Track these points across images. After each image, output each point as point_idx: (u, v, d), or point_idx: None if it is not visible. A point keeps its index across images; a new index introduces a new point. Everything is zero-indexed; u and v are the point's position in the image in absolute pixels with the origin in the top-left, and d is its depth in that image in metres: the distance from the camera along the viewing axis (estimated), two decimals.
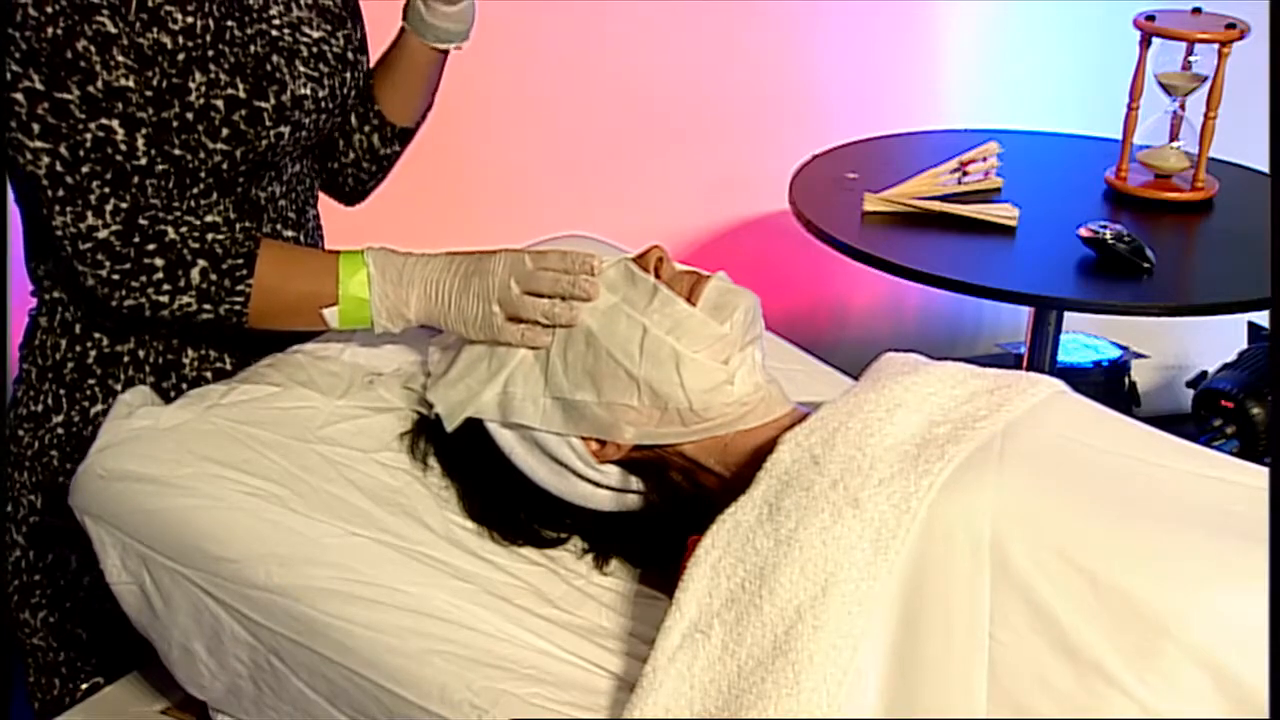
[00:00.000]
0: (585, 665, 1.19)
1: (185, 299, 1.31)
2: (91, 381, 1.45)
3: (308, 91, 1.41)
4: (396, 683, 1.17)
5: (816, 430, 1.17)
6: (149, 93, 1.31)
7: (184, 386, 1.45)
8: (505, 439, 1.31)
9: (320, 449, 1.32)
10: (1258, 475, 1.15)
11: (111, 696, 1.43)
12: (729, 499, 1.16)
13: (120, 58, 1.29)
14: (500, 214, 2.74)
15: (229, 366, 1.48)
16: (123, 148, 1.29)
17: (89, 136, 1.28)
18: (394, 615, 1.19)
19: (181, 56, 1.33)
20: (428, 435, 1.36)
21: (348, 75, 1.47)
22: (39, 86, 1.26)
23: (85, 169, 1.28)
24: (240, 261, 1.31)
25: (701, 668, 1.09)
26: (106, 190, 1.29)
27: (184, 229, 1.31)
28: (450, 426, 1.31)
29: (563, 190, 2.89)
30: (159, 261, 1.30)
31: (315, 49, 1.43)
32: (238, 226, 1.43)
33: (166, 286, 1.31)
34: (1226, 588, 1.01)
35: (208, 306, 1.32)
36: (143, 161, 1.31)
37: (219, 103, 1.34)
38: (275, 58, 1.39)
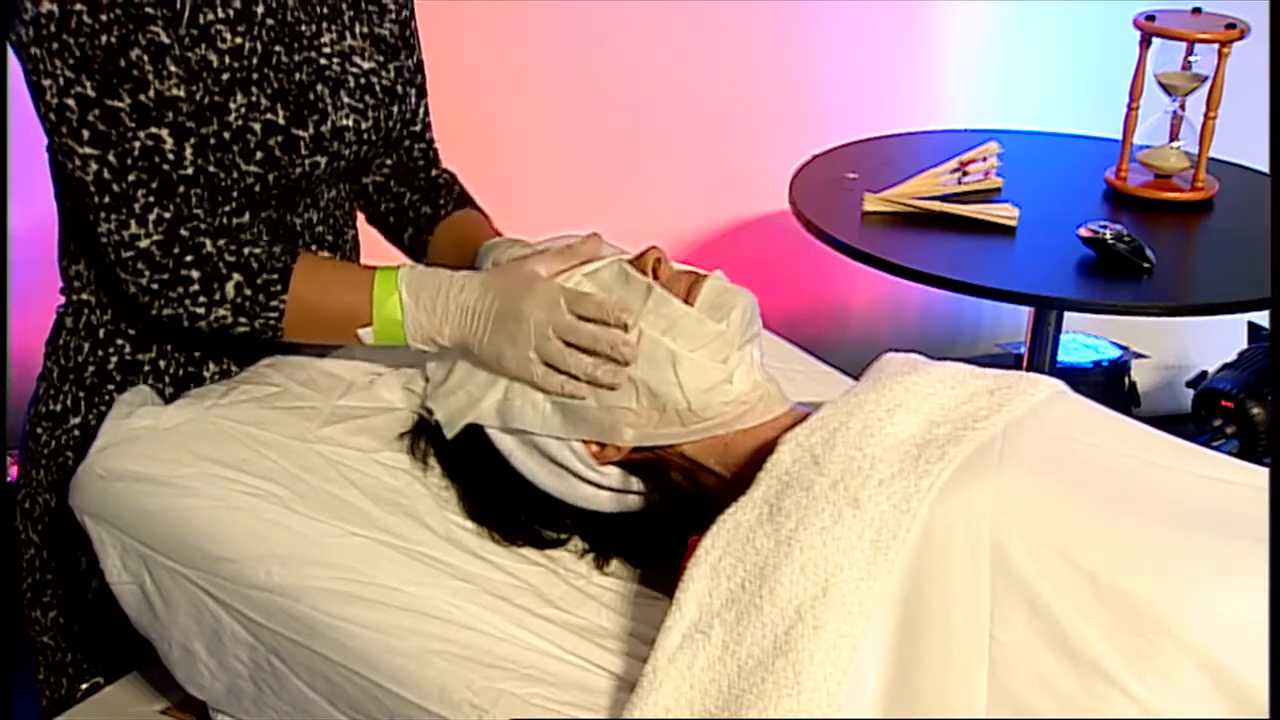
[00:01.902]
0: (585, 665, 1.19)
1: (221, 311, 1.31)
2: (111, 387, 1.45)
3: (350, 123, 1.41)
4: (396, 683, 1.17)
5: (817, 430, 1.17)
6: (192, 106, 1.31)
7: None
8: (505, 443, 1.31)
9: (320, 449, 1.32)
10: (1258, 475, 1.15)
11: (111, 696, 1.43)
12: (729, 499, 1.16)
13: (173, 68, 1.29)
14: (500, 214, 2.74)
15: None
16: (170, 157, 1.29)
17: (138, 145, 1.28)
18: (394, 615, 1.19)
19: (226, 76, 1.33)
20: (428, 436, 1.36)
21: (394, 109, 1.46)
22: (91, 94, 1.26)
23: (132, 177, 1.28)
24: (275, 277, 1.31)
25: (702, 668, 1.09)
26: (151, 199, 1.29)
27: (222, 242, 1.31)
28: (450, 434, 1.31)
29: (563, 190, 2.89)
30: (195, 274, 1.30)
31: (363, 80, 1.42)
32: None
33: (203, 299, 1.31)
34: (1226, 587, 1.01)
35: (243, 320, 1.32)
36: (189, 171, 1.31)
37: (256, 126, 1.34)
38: (320, 87, 1.39)
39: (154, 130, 1.29)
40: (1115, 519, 1.07)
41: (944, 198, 2.40)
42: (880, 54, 3.05)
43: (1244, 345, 2.87)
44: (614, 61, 2.89)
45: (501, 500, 1.32)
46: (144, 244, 1.29)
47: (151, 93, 1.28)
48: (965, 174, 2.46)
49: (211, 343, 1.45)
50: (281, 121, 1.35)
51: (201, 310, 1.31)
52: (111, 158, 1.28)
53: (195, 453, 1.27)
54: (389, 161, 1.58)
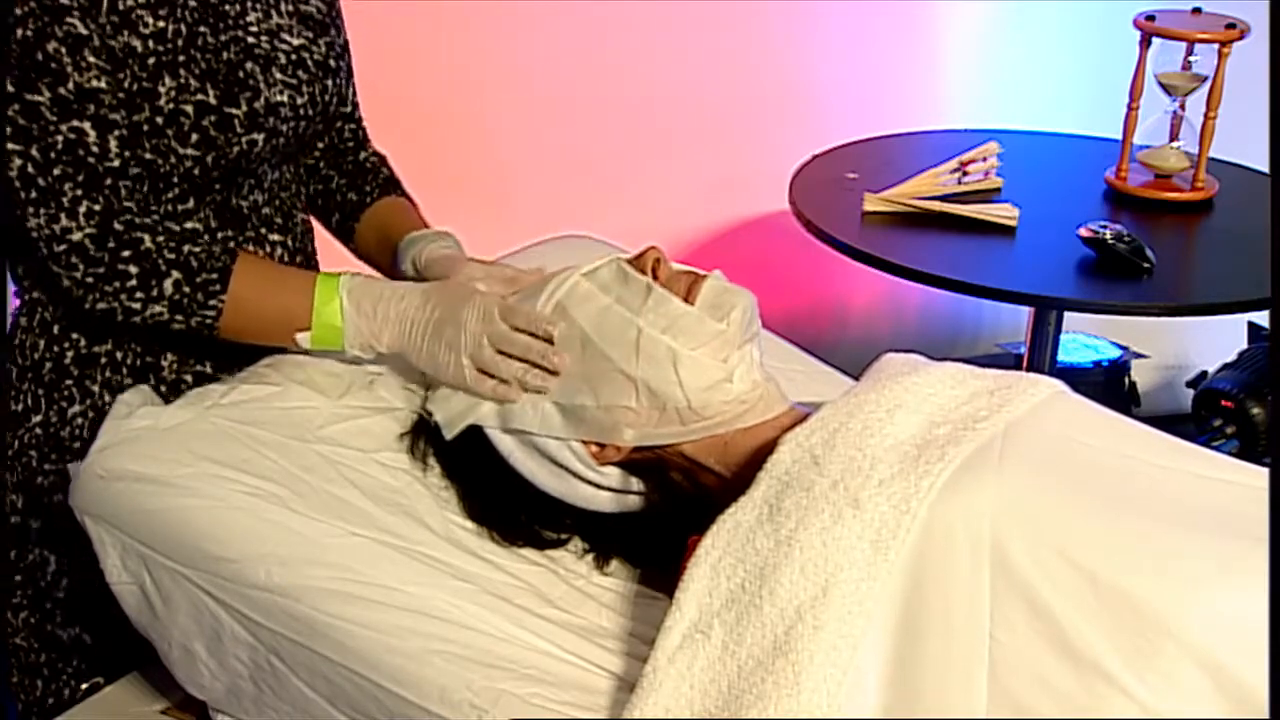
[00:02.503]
0: (585, 665, 1.19)
1: (157, 308, 1.32)
2: (69, 382, 1.45)
3: (284, 99, 1.41)
4: (396, 683, 1.17)
5: (817, 430, 1.17)
6: (120, 94, 1.32)
7: (162, 389, 1.46)
8: (505, 443, 1.31)
9: (320, 449, 1.32)
10: (1258, 475, 1.15)
11: (111, 696, 1.43)
12: (729, 499, 1.16)
13: (92, 59, 1.29)
14: (500, 214, 2.75)
15: (209, 369, 1.48)
16: (94, 149, 1.30)
17: (60, 139, 1.28)
18: (394, 615, 1.19)
19: (152, 61, 1.33)
20: (427, 436, 1.36)
21: (329, 83, 1.47)
22: (10, 89, 1.27)
23: (57, 171, 1.28)
24: (215, 276, 1.32)
25: (701, 668, 1.09)
26: (79, 193, 1.29)
27: (161, 237, 1.32)
28: (449, 435, 1.32)
29: (563, 190, 2.89)
30: (133, 269, 1.30)
31: (294, 56, 1.43)
32: (218, 237, 1.43)
33: (139, 295, 1.31)
34: (1226, 587, 1.01)
35: (179, 317, 1.33)
36: (115, 164, 1.31)
37: (188, 108, 1.34)
38: (249, 64, 1.39)
39: (76, 123, 1.29)
40: (1115, 519, 1.07)
41: (944, 198, 2.40)
42: (880, 54, 3.05)
43: (1244, 345, 2.87)
44: (613, 61, 2.89)
45: (501, 500, 1.32)
46: (76, 237, 1.29)
47: (71, 85, 1.28)
48: (965, 174, 2.46)
49: (169, 335, 1.45)
50: (213, 101, 1.36)
51: (137, 306, 1.31)
52: (35, 152, 1.28)
53: (195, 453, 1.27)
54: (320, 144, 1.60)
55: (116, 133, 1.31)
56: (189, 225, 1.39)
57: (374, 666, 1.18)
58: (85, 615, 1.47)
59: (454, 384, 1.31)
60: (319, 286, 1.33)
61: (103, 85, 1.30)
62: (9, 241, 1.45)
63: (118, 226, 1.30)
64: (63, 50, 1.27)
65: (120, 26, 1.31)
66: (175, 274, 1.31)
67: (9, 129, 1.27)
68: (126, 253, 1.30)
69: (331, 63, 1.47)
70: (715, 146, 2.98)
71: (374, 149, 1.64)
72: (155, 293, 1.31)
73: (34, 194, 1.29)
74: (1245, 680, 0.97)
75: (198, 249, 1.32)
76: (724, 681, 1.08)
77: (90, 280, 1.30)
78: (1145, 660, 0.99)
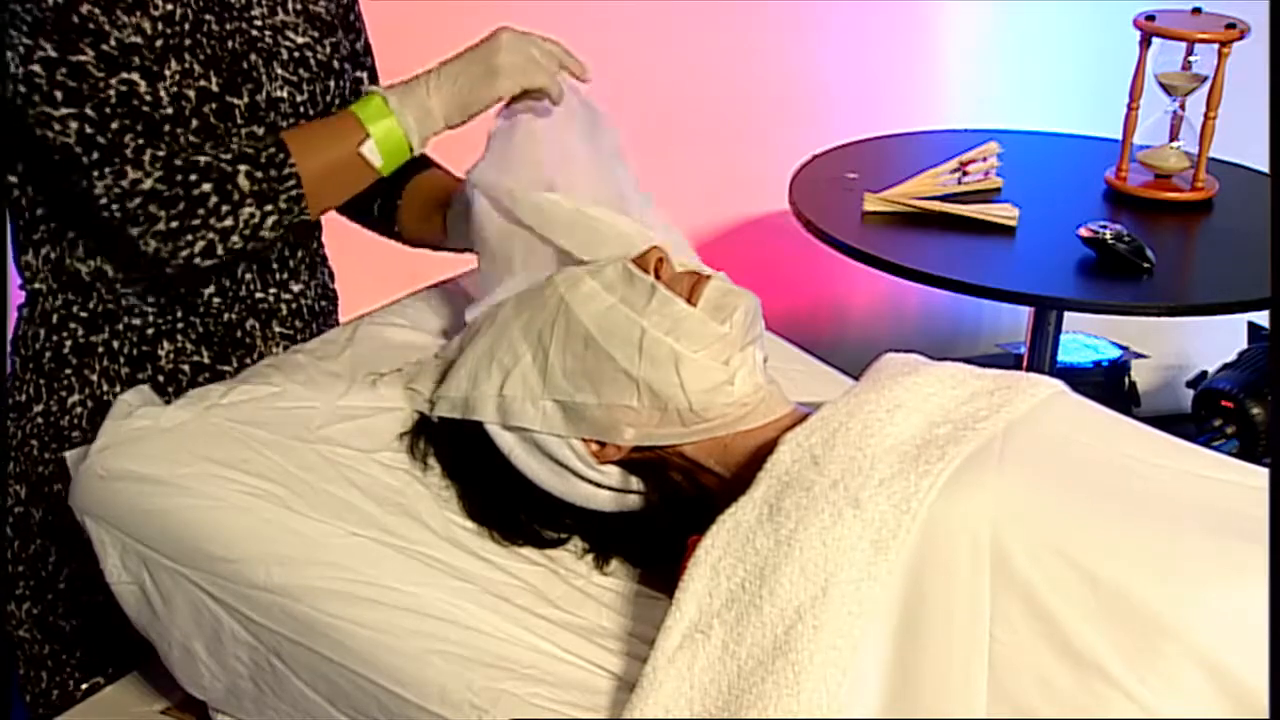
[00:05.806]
0: (585, 665, 1.19)
1: (246, 210, 1.30)
2: (68, 371, 1.45)
3: (285, 95, 1.41)
4: (396, 683, 1.17)
5: (817, 430, 1.17)
6: (154, 52, 1.32)
7: (159, 379, 1.46)
8: (505, 441, 1.31)
9: (320, 449, 1.32)
10: (1258, 475, 1.15)
11: (111, 696, 1.43)
12: (729, 499, 1.16)
13: (125, 17, 1.29)
14: None
15: (206, 360, 1.48)
16: (147, 99, 1.29)
17: (112, 93, 1.27)
18: (394, 615, 1.19)
19: (159, 43, 1.33)
20: (428, 435, 1.36)
21: (331, 83, 1.47)
22: (53, 54, 1.26)
23: (115, 125, 1.27)
24: (274, 149, 1.31)
25: (701, 668, 1.09)
26: (141, 141, 1.28)
27: (210, 148, 1.31)
28: (438, 414, 1.31)
29: None
30: (206, 187, 1.28)
31: (297, 54, 1.44)
32: None
33: (225, 207, 1.29)
34: (1227, 587, 1.01)
35: (269, 207, 1.31)
36: (169, 111, 1.31)
37: (190, 93, 1.34)
38: (253, 57, 1.40)
39: (125, 75, 1.28)
40: (1116, 519, 1.07)
41: (944, 198, 2.40)
42: (880, 54, 3.05)
43: (1244, 345, 2.87)
44: (613, 61, 2.87)
45: (501, 499, 1.32)
46: (147, 185, 1.28)
47: (113, 41, 1.28)
48: (965, 174, 2.46)
49: (165, 321, 1.45)
50: (215, 89, 1.36)
51: (229, 222, 1.30)
52: (89, 111, 1.26)
53: (195, 453, 1.27)
54: None
55: (164, 83, 1.31)
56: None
57: (374, 666, 1.18)
58: (87, 606, 1.47)
59: (521, 79, 1.50)
60: (355, 106, 1.35)
61: (140, 41, 1.30)
62: (20, 233, 1.46)
63: (178, 163, 1.29)
64: (97, 10, 1.27)
65: (133, 7, 1.32)
66: (243, 166, 1.30)
67: (60, 94, 1.26)
68: (194, 176, 1.29)
69: (335, 64, 1.47)
70: (715, 146, 2.98)
71: None
72: (236, 195, 1.29)
73: (97, 154, 1.27)
74: (1246, 681, 0.97)
75: (243, 142, 1.33)
76: (724, 681, 1.08)
77: (175, 225, 1.28)
78: (1145, 660, 0.99)
